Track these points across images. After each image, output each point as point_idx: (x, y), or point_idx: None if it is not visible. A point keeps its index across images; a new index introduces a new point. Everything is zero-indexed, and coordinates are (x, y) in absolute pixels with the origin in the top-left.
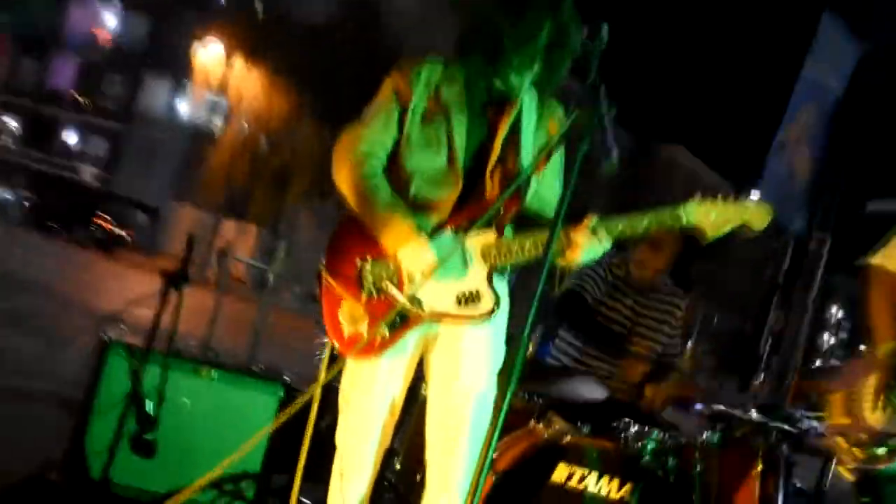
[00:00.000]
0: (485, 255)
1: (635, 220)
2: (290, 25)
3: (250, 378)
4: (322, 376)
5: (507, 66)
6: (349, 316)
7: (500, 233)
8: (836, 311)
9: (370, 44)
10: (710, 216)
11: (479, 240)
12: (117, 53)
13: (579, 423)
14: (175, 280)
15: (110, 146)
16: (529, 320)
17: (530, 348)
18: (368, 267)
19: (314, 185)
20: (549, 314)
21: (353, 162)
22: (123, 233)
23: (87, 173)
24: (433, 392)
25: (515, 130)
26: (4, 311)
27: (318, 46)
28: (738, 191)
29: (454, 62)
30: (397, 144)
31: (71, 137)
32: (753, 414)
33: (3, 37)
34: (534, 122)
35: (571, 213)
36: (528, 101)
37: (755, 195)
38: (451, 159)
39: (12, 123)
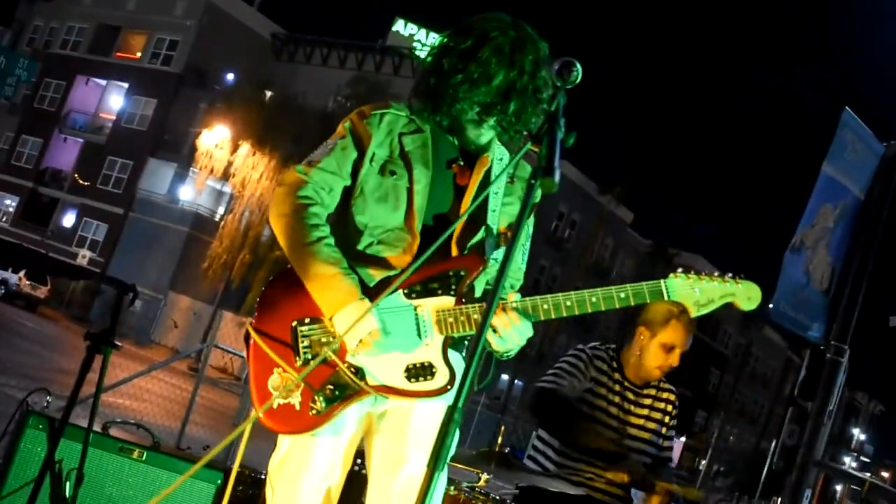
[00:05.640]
0: (441, 324)
1: (614, 293)
2: (299, 111)
3: (185, 462)
4: (236, 433)
5: (457, 114)
6: (281, 385)
7: (460, 300)
8: (858, 433)
9: None
10: (694, 292)
11: (434, 306)
12: (120, 136)
13: None
14: (99, 343)
15: (108, 230)
16: (461, 397)
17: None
18: (305, 330)
19: None
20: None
21: (293, 206)
22: (38, 292)
23: (83, 256)
24: (374, 484)
25: (485, 191)
26: None
27: (326, 133)
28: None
29: (421, 112)
30: (348, 193)
31: (68, 219)
32: None
33: None
34: (503, 183)
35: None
36: (498, 159)
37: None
38: (408, 217)
39: (9, 202)
